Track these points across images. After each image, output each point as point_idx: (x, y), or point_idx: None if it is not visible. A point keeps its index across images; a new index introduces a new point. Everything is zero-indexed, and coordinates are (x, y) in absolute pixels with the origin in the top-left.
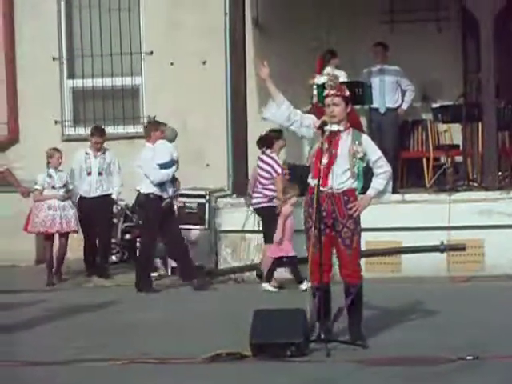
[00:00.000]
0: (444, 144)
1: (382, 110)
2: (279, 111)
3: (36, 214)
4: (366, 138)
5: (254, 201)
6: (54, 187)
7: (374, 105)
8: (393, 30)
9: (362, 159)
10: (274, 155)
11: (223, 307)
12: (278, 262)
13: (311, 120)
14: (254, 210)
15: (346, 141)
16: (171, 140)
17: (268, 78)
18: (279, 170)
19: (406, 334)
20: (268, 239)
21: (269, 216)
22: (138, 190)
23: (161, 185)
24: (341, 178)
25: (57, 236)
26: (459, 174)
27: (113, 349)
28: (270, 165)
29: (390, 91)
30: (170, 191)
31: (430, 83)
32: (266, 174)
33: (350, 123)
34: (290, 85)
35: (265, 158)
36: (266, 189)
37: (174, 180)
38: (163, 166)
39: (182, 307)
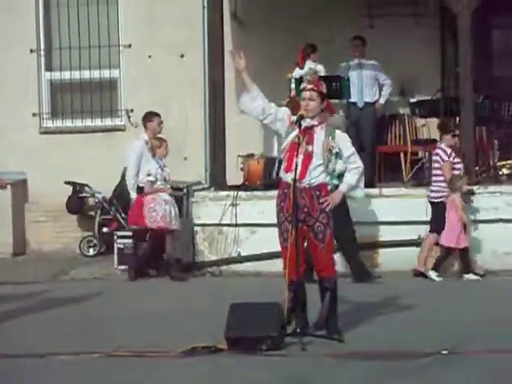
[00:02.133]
0: (422, 138)
1: (360, 105)
2: (253, 104)
3: (153, 208)
4: (339, 133)
5: (431, 194)
6: (165, 179)
7: (352, 99)
8: (371, 24)
9: (336, 154)
10: (442, 144)
11: (201, 301)
12: (447, 251)
13: (285, 113)
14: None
15: (319, 135)
16: (340, 128)
17: (244, 69)
18: (446, 158)
19: (382, 329)
20: (435, 228)
21: (441, 205)
22: None
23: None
24: (314, 173)
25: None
26: None
27: (88, 342)
28: (437, 154)
29: (367, 85)
30: None
31: (408, 78)
32: (436, 165)
33: (324, 118)
34: (268, 78)
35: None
36: (441, 180)
37: None
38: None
39: (160, 300)
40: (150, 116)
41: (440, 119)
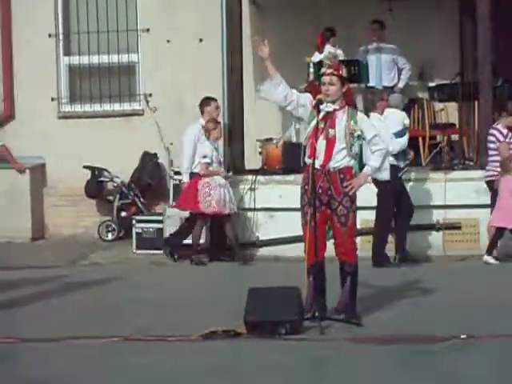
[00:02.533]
0: (440, 123)
1: (379, 89)
2: (276, 91)
3: (208, 192)
4: (361, 116)
5: (486, 173)
6: (220, 162)
7: (371, 83)
8: (391, 7)
9: (359, 137)
10: (498, 125)
11: (220, 285)
12: (500, 232)
13: (307, 99)
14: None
15: (341, 120)
16: (398, 107)
17: (267, 57)
18: (501, 139)
19: (401, 313)
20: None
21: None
22: None
23: (396, 154)
24: (337, 157)
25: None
26: (455, 153)
27: (107, 326)
28: (493, 134)
29: (386, 69)
30: (402, 163)
31: (427, 62)
32: (491, 145)
33: (345, 102)
34: (287, 62)
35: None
36: (495, 161)
37: (405, 150)
38: (397, 135)
39: (179, 285)
40: (207, 100)
41: (498, 100)
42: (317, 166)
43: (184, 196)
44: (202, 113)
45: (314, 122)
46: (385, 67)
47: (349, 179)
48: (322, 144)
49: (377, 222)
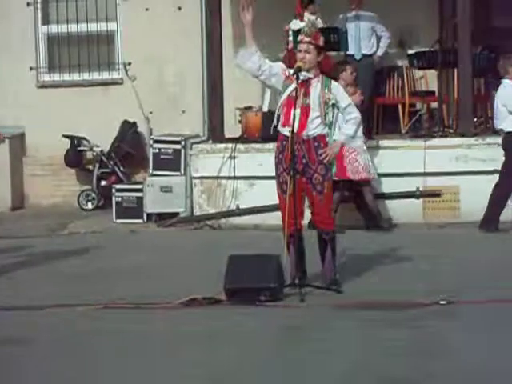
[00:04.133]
0: (420, 90)
1: (358, 57)
2: (250, 60)
3: (354, 158)
4: (336, 84)
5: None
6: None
7: (350, 51)
8: None
9: (333, 106)
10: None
11: (199, 253)
12: None
13: (279, 68)
14: None
15: (316, 88)
16: None
17: (249, 24)
18: None
19: (380, 280)
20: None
21: None
22: (501, 129)
23: None
24: (311, 125)
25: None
26: (435, 120)
27: (88, 294)
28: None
29: (365, 37)
30: None
31: (406, 29)
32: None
33: (320, 70)
34: (265, 30)
35: None
36: None
37: None
38: None
39: (159, 253)
40: (343, 65)
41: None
42: (289, 133)
43: None
44: (338, 78)
45: (288, 90)
46: (364, 35)
47: (323, 147)
48: (296, 112)
49: (501, 181)
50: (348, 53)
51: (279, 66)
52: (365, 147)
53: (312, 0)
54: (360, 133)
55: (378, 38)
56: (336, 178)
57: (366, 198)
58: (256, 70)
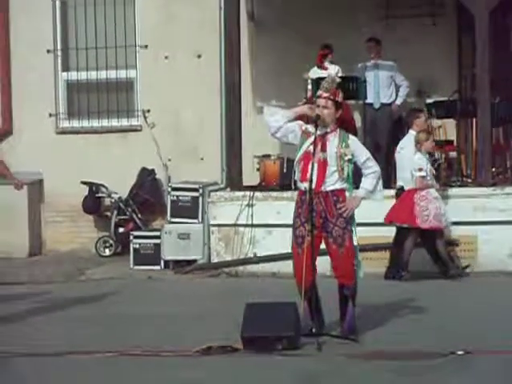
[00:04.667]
0: (438, 139)
1: (377, 106)
2: (276, 116)
3: (425, 206)
4: (353, 139)
5: None
6: (433, 174)
7: (369, 100)
8: (388, 24)
9: (349, 161)
10: None
11: (217, 301)
12: None
13: (296, 125)
14: None
15: (333, 142)
16: None
17: (300, 113)
18: None
19: (398, 329)
20: None
21: None
22: None
23: None
24: (330, 180)
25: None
26: (453, 170)
27: (104, 341)
28: None
29: (384, 86)
30: None
31: (425, 78)
32: None
33: (339, 124)
34: (285, 79)
35: None
36: None
37: None
38: None
39: (177, 300)
40: (416, 112)
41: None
42: (305, 189)
43: (397, 209)
44: (411, 125)
45: (305, 145)
46: (383, 84)
47: (342, 201)
48: (314, 167)
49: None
50: (367, 101)
51: (296, 123)
52: (437, 195)
53: (331, 49)
54: (380, 186)
55: (397, 87)
56: (406, 226)
57: (437, 246)
58: (275, 127)
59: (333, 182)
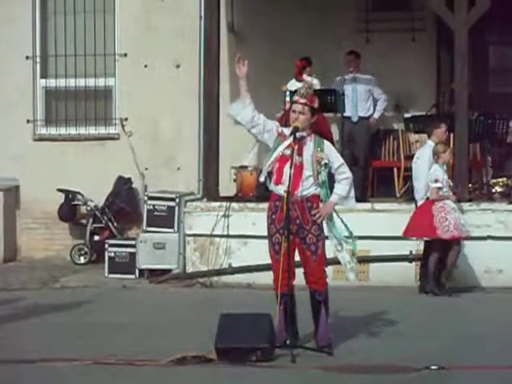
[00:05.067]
0: (415, 154)
1: (355, 119)
2: (244, 111)
3: (444, 217)
4: (328, 144)
5: None
6: (450, 186)
7: (347, 113)
8: (368, 38)
9: (325, 165)
10: None
11: (191, 311)
12: None
13: (274, 125)
14: None
15: (309, 147)
16: None
17: (244, 76)
18: None
19: (372, 343)
20: None
21: None
22: None
23: None
24: (305, 184)
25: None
26: None
27: (78, 349)
28: None
29: (362, 100)
30: None
31: (403, 93)
32: None
33: (312, 130)
34: (264, 90)
35: None
36: None
37: None
38: None
39: (151, 309)
40: (437, 123)
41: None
42: (284, 192)
43: (415, 223)
44: (430, 134)
45: (280, 148)
46: (361, 97)
47: (316, 207)
48: (290, 171)
49: None
50: (345, 115)
51: (274, 123)
52: (454, 206)
53: (310, 62)
54: (352, 193)
55: (375, 101)
56: (427, 239)
57: (450, 255)
58: (249, 121)
59: (307, 187)
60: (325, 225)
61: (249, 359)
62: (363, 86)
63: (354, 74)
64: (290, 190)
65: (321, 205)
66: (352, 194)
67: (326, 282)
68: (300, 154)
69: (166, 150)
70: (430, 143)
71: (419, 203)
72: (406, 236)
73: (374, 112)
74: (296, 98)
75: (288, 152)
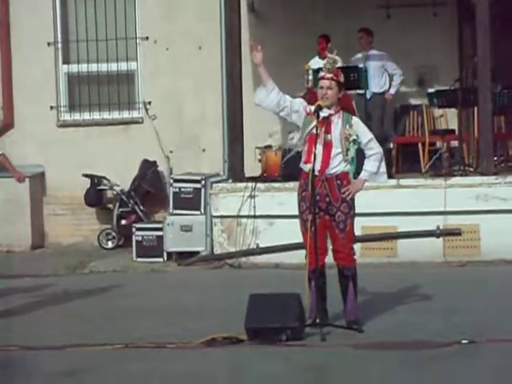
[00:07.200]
0: (439, 129)
1: (368, 96)
2: (269, 97)
3: None
4: (356, 120)
5: None
6: None
7: (359, 91)
8: (389, 14)
9: (354, 142)
10: None
11: (221, 292)
12: None
13: (301, 104)
14: None
15: (337, 124)
16: None
17: (261, 63)
18: None
19: (401, 319)
20: None
21: None
22: None
23: None
24: (333, 162)
25: None
26: (455, 159)
27: (108, 334)
28: None
29: (375, 76)
30: None
31: (426, 68)
32: None
33: (341, 107)
34: (286, 69)
35: None
36: None
37: None
38: None
39: (180, 292)
40: None
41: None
42: (309, 171)
43: None
44: None
45: (309, 127)
46: (374, 74)
47: (346, 185)
48: (319, 149)
49: None
50: (359, 92)
51: (300, 102)
52: None
53: (329, 40)
54: (383, 168)
55: (391, 77)
56: None
57: None
58: (275, 106)
59: (337, 164)
60: None
61: (279, 339)
62: (375, 62)
63: (366, 51)
64: (319, 169)
65: (352, 181)
66: (382, 169)
67: (355, 258)
68: (329, 131)
69: (190, 132)
70: None
71: None
72: None
73: (389, 88)
74: (322, 73)
75: (315, 131)
